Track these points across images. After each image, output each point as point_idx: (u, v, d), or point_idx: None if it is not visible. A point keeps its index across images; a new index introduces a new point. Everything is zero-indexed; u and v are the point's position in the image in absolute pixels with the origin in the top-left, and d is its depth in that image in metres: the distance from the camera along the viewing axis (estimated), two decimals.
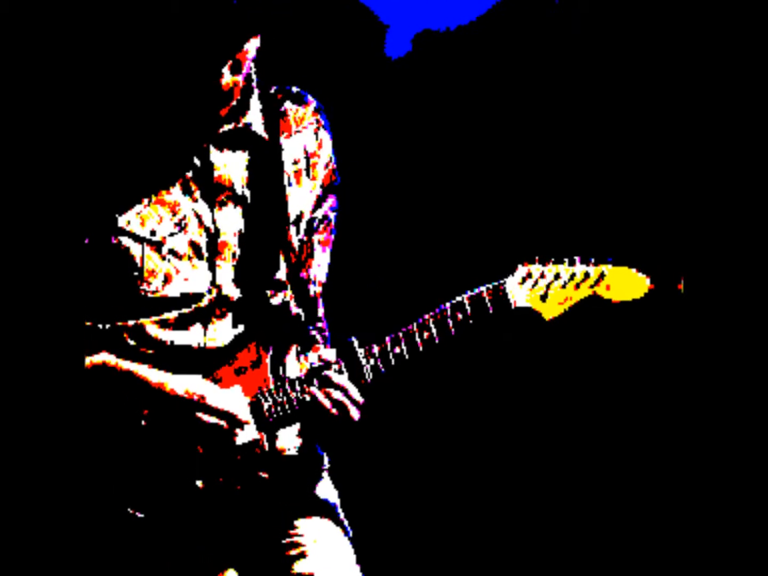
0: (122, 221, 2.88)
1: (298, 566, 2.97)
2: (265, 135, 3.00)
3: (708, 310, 3.74)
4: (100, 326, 2.93)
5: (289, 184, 3.02)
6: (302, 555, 2.98)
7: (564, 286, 2.75)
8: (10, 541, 2.96)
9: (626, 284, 2.71)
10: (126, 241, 2.89)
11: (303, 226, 3.07)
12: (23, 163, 2.96)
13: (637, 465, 4.21)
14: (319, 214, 3.09)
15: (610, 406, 4.25)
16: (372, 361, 2.91)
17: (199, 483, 2.90)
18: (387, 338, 2.92)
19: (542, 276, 2.78)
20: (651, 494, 4.18)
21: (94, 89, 3.18)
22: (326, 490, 3.13)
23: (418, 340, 2.89)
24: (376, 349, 2.92)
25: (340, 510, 3.13)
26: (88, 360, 2.90)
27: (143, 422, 2.89)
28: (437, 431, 4.50)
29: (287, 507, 3.02)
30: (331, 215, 3.12)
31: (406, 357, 2.90)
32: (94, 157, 2.92)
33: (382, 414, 3.94)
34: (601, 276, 2.72)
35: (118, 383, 2.90)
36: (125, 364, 2.90)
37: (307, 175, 3.06)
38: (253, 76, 2.96)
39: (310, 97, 3.10)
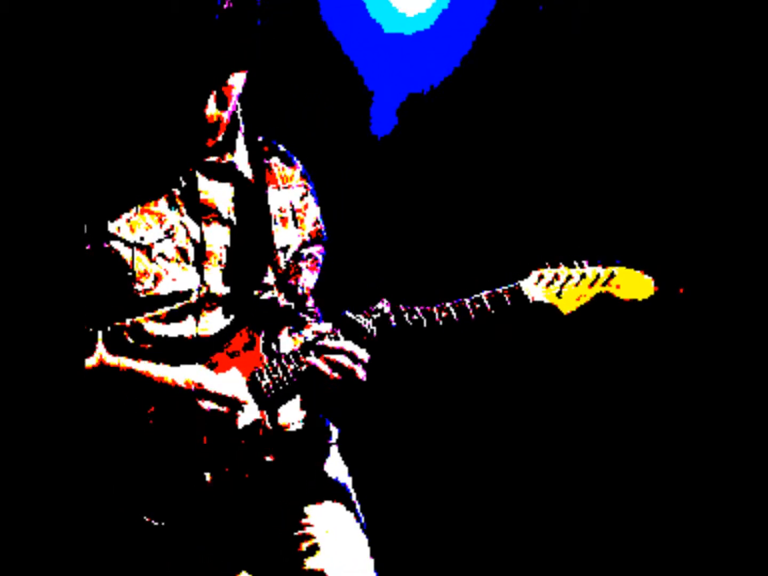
0: (113, 228, 2.95)
1: (309, 562, 2.95)
2: (250, 177, 3.11)
3: (709, 312, 3.89)
4: (102, 328, 2.99)
5: (275, 223, 3.13)
6: (314, 548, 2.96)
7: (577, 285, 3.04)
8: (19, 540, 2.90)
9: (634, 285, 2.99)
10: (117, 245, 2.95)
11: (290, 253, 3.16)
12: (24, 172, 3.03)
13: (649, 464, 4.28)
14: (305, 252, 3.20)
15: (615, 404, 4.33)
16: (376, 316, 2.96)
17: (207, 476, 2.87)
18: (400, 306, 2.99)
19: (556, 277, 3.07)
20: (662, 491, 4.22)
21: (87, 104, 3.37)
22: (335, 466, 3.12)
23: (436, 315, 2.99)
24: (380, 305, 2.98)
25: (351, 489, 3.11)
26: (90, 362, 2.92)
27: (150, 421, 2.89)
28: (450, 412, 4.51)
29: (297, 491, 3.00)
30: (319, 257, 3.23)
31: (424, 324, 2.98)
32: (87, 168, 3.01)
33: (392, 384, 3.90)
34: (611, 276, 3.00)
35: (121, 382, 2.92)
36: (126, 363, 2.91)
37: (294, 225, 3.18)
38: (239, 117, 3.09)
39: (296, 160, 3.24)
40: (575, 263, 3.07)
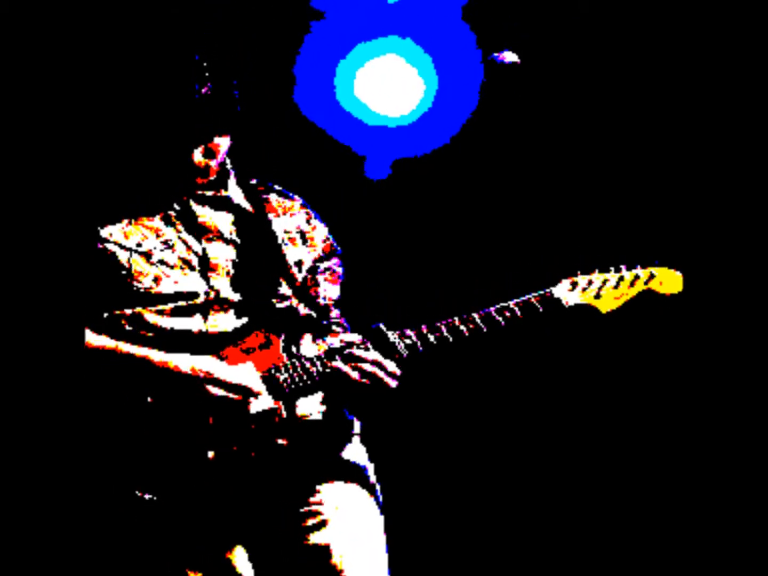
0: (104, 233, 3.00)
1: (314, 537, 2.88)
2: (249, 208, 3.15)
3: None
4: (98, 314, 2.96)
5: (285, 243, 3.14)
6: (321, 524, 2.89)
7: (616, 287, 3.09)
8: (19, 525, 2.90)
9: (671, 280, 3.12)
10: (111, 247, 2.99)
11: (305, 268, 3.15)
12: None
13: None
14: (321, 265, 3.18)
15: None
16: (407, 341, 2.93)
17: (210, 454, 2.82)
18: (423, 326, 2.97)
19: (590, 282, 3.10)
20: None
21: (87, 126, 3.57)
22: (355, 452, 3.04)
23: (462, 328, 2.95)
24: (410, 333, 2.95)
25: (370, 473, 3.03)
26: (88, 341, 2.90)
27: (149, 399, 2.85)
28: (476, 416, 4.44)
29: (308, 472, 2.93)
30: (338, 269, 3.21)
31: (450, 340, 2.94)
32: (83, 178, 3.09)
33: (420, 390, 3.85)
34: (651, 276, 3.11)
35: (119, 365, 2.88)
36: (125, 347, 2.90)
37: (303, 243, 3.18)
38: (228, 167, 3.17)
39: (294, 195, 3.28)
40: (611, 268, 3.13)
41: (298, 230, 3.17)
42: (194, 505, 2.79)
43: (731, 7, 3.77)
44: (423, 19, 4.12)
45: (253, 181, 3.23)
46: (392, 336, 2.92)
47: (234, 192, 3.14)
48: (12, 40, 3.28)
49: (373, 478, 3.05)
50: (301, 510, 2.90)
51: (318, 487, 2.93)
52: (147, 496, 2.77)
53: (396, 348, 2.91)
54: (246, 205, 3.14)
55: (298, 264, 3.13)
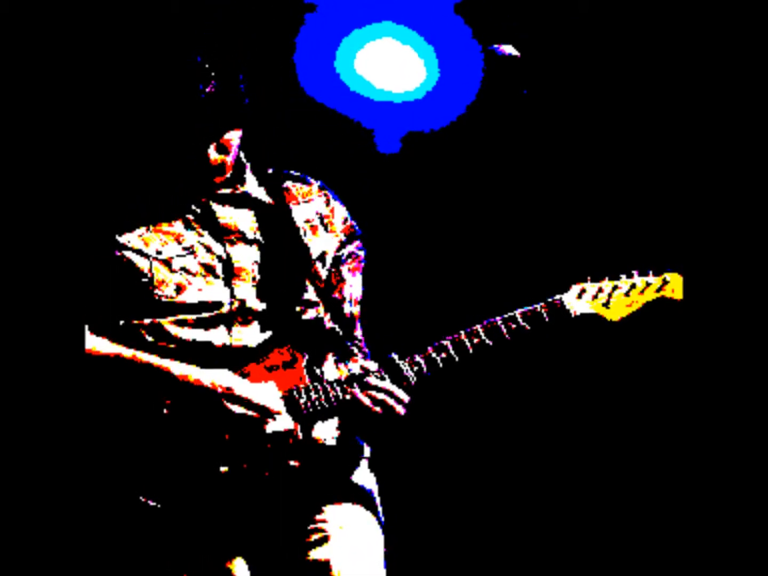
0: (122, 240, 3.01)
1: (315, 552, 2.93)
2: (269, 200, 3.16)
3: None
4: (116, 323, 2.98)
5: (305, 235, 3.16)
6: (323, 540, 2.94)
7: (627, 294, 3.04)
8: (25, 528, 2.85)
9: (680, 285, 3.06)
10: (130, 254, 3.00)
11: (329, 260, 3.17)
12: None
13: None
14: (344, 252, 3.21)
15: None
16: (416, 368, 2.99)
17: (222, 469, 2.87)
18: (429, 348, 3.02)
19: (600, 290, 3.05)
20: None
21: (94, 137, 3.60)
22: (363, 476, 3.09)
23: (467, 344, 2.99)
24: (418, 358, 3.00)
25: (376, 495, 3.09)
26: (106, 350, 2.92)
27: (165, 411, 2.88)
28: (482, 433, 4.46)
29: (317, 493, 2.99)
30: (359, 252, 3.24)
31: (456, 359, 2.99)
32: (97, 186, 3.10)
33: (428, 413, 3.88)
34: (665, 282, 3.05)
35: (136, 374, 2.91)
36: (144, 356, 2.92)
37: (324, 229, 3.20)
38: (243, 160, 3.18)
39: (311, 179, 3.30)
40: (622, 275, 3.09)
41: (318, 215, 3.19)
42: (198, 515, 2.84)
43: (732, 5, 3.66)
44: (416, 6, 4.09)
45: (270, 171, 3.24)
46: (403, 365, 2.99)
47: (252, 186, 3.16)
48: (13, 53, 3.19)
49: (377, 500, 3.11)
50: (306, 527, 2.96)
51: (324, 508, 2.99)
52: (151, 503, 2.82)
53: (405, 376, 2.99)
54: (265, 198, 3.15)
55: (322, 258, 3.15)
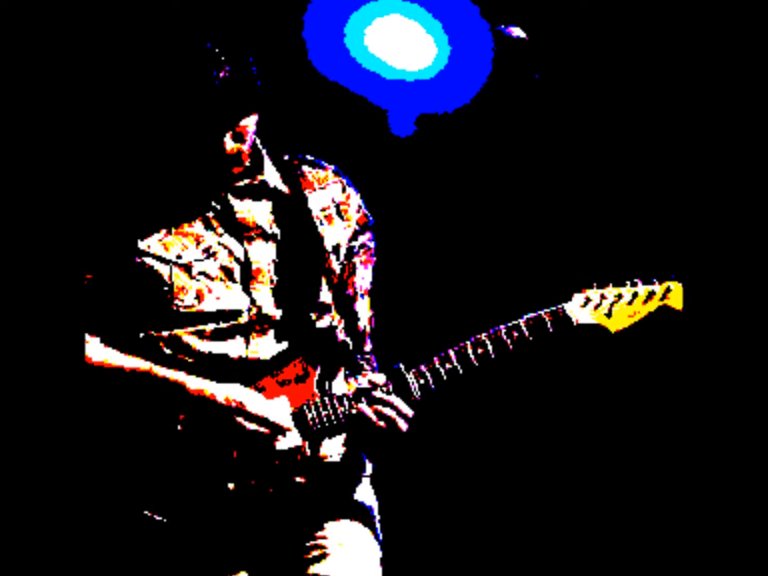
0: (143, 245, 3.01)
1: (314, 568, 2.97)
2: (286, 189, 3.16)
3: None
4: (134, 335, 3.00)
5: (321, 224, 3.16)
6: (323, 557, 2.98)
7: (630, 303, 3.01)
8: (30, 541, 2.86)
9: (680, 295, 3.02)
10: (150, 261, 3.00)
11: (342, 251, 3.18)
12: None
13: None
14: (356, 243, 3.21)
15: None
16: (422, 381, 3.01)
17: (230, 486, 2.91)
18: (435, 358, 3.03)
19: (603, 297, 3.03)
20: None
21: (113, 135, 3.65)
22: (363, 493, 3.13)
23: (472, 356, 3.00)
24: (424, 369, 3.02)
25: (375, 512, 3.14)
26: (122, 363, 2.95)
27: (179, 427, 2.92)
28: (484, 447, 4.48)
29: (319, 509, 3.03)
30: (370, 244, 3.25)
31: (460, 372, 3.00)
32: (115, 190, 3.08)
33: (432, 428, 3.89)
34: (668, 290, 3.01)
35: (152, 388, 2.93)
36: (161, 371, 2.94)
37: (340, 217, 3.20)
38: (260, 146, 3.17)
39: (326, 163, 3.29)
40: (626, 282, 3.06)
41: (334, 203, 3.20)
42: (202, 529, 2.89)
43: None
44: None
45: (286, 157, 3.24)
46: (410, 377, 3.01)
47: (270, 174, 3.15)
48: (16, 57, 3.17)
49: (377, 518, 3.15)
50: (306, 543, 3.00)
51: (325, 524, 3.03)
52: (157, 518, 2.86)
53: (411, 390, 3.01)
54: (282, 186, 3.15)
55: (336, 250, 3.16)
